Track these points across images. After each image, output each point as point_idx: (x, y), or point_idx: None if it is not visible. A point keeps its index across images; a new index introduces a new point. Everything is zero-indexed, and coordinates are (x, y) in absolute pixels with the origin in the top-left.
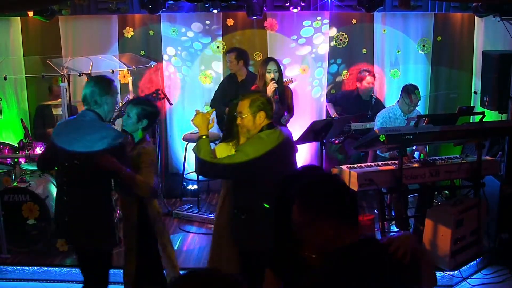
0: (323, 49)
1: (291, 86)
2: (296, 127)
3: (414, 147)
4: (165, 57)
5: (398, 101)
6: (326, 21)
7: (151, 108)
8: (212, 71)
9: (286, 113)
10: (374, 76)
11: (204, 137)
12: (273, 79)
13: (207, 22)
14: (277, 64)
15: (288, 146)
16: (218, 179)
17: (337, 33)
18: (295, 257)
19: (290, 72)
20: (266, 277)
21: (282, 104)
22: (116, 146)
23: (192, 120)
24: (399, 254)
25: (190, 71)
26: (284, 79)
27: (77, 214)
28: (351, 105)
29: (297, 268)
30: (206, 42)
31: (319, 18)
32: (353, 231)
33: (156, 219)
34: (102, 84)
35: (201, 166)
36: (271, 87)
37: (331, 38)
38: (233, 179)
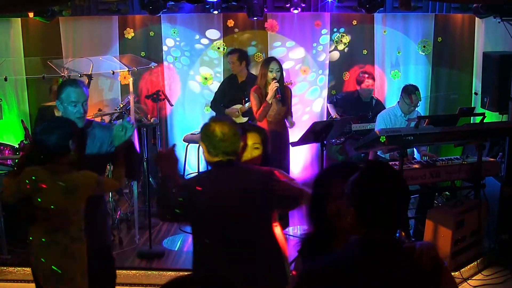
0: (324, 50)
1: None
2: (297, 128)
3: (418, 154)
4: (165, 58)
5: (398, 102)
6: (327, 22)
7: None
8: (212, 72)
9: (292, 116)
10: (373, 78)
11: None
12: (274, 78)
13: (208, 23)
14: (279, 64)
15: None
16: None
17: (338, 34)
18: (328, 249)
19: (290, 73)
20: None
21: (283, 104)
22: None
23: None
24: (423, 261)
25: (190, 72)
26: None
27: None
28: (351, 106)
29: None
30: (206, 43)
31: (319, 19)
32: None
33: None
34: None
35: None
36: (273, 86)
37: (332, 39)
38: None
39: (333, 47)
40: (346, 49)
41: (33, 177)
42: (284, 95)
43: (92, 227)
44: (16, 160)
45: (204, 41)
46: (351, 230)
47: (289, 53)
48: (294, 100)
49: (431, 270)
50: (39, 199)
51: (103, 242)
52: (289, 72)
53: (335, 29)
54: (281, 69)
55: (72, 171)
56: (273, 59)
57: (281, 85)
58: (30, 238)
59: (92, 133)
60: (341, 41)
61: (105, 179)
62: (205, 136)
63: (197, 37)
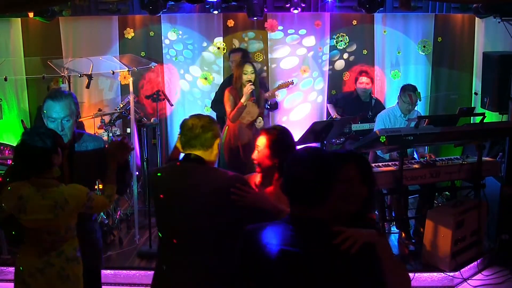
0: (324, 50)
1: (291, 87)
2: (297, 128)
3: (417, 154)
4: (165, 58)
5: (397, 102)
6: (327, 22)
7: None
8: (212, 72)
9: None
10: (371, 78)
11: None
12: (249, 80)
13: (208, 23)
14: (253, 66)
15: None
16: None
17: (338, 34)
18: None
19: (290, 73)
20: None
21: (258, 106)
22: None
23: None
24: (346, 244)
25: (190, 72)
26: (284, 82)
27: None
28: (351, 106)
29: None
30: (206, 43)
31: (319, 19)
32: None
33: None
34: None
35: None
36: (248, 89)
37: (332, 39)
38: None
39: (337, 57)
40: (351, 58)
41: (18, 194)
42: (259, 97)
43: (86, 246)
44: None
45: (204, 41)
46: (349, 213)
47: (289, 53)
48: (295, 99)
49: (358, 255)
50: (25, 218)
51: (96, 262)
52: (288, 72)
53: (334, 30)
54: (255, 72)
55: (59, 184)
56: (246, 61)
57: (256, 88)
58: (20, 267)
59: (83, 147)
60: (341, 41)
61: (95, 196)
62: (180, 127)
63: (197, 37)
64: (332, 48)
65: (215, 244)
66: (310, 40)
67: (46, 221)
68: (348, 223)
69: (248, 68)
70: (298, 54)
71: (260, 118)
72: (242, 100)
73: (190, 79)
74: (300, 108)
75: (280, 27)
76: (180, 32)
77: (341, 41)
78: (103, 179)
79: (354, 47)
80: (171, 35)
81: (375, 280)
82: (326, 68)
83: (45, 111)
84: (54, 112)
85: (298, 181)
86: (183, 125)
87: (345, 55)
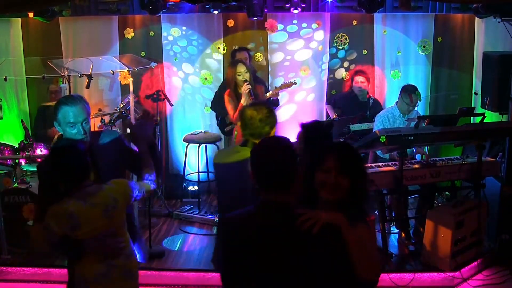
0: (324, 50)
1: (293, 87)
2: (297, 128)
3: (414, 150)
4: (165, 58)
5: (397, 102)
6: (327, 22)
7: None
8: (212, 72)
9: None
10: (367, 77)
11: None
12: (246, 80)
13: (208, 23)
14: (246, 66)
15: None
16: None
17: (338, 34)
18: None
19: (290, 73)
20: None
21: None
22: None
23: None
24: (306, 224)
25: (190, 72)
26: (286, 82)
27: None
28: (349, 106)
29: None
30: (206, 43)
31: (319, 19)
32: None
33: None
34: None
35: None
36: (245, 89)
37: (332, 39)
38: None
39: (338, 65)
40: (351, 66)
41: (66, 214)
42: (257, 93)
43: (130, 232)
44: (24, 175)
45: (204, 41)
46: (331, 200)
47: (289, 53)
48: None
49: (319, 236)
50: (81, 232)
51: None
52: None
53: (335, 29)
54: (249, 71)
55: (102, 186)
56: (237, 62)
57: (253, 85)
58: (76, 274)
59: (101, 143)
60: (341, 41)
61: (138, 183)
62: (239, 116)
63: (197, 37)
64: (333, 56)
65: None
66: (310, 41)
67: (102, 227)
68: (336, 211)
69: (241, 68)
70: (298, 55)
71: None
72: (242, 101)
73: (190, 79)
74: (300, 109)
75: (281, 26)
76: (185, 28)
77: (341, 48)
78: (133, 169)
79: (354, 55)
80: (171, 35)
81: (339, 260)
82: (325, 77)
83: (60, 118)
84: (73, 116)
85: (264, 168)
86: (242, 114)
87: (346, 64)
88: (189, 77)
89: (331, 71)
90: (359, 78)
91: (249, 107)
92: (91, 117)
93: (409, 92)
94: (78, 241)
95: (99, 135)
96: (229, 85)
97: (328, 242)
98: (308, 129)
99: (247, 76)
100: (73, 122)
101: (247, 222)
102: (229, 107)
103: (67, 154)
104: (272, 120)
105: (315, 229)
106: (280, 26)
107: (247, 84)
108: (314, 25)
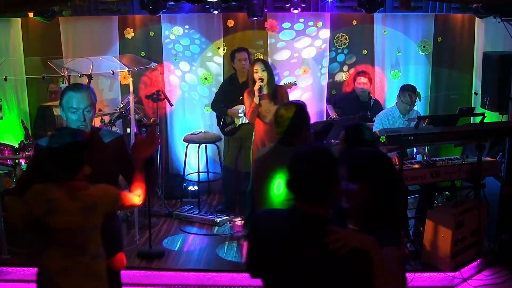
0: (324, 50)
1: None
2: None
3: (415, 150)
4: (165, 58)
5: (396, 102)
6: (327, 22)
7: None
8: (212, 72)
9: None
10: (369, 78)
11: None
12: (260, 78)
13: (208, 23)
14: (264, 64)
15: None
16: (218, 180)
17: (338, 34)
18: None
19: (290, 73)
20: None
21: (275, 104)
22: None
23: None
24: (335, 245)
25: (190, 72)
26: (286, 82)
27: None
28: (350, 106)
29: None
30: (206, 43)
31: (319, 19)
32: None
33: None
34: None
35: None
36: (256, 86)
37: (332, 39)
38: None
39: (337, 69)
40: (345, 49)
41: (46, 197)
42: (276, 94)
43: (108, 241)
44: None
45: (204, 41)
46: (357, 208)
47: (289, 53)
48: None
49: (347, 257)
50: (54, 220)
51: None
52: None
53: (335, 29)
54: (267, 69)
55: (88, 186)
56: (257, 60)
57: (271, 84)
58: (46, 267)
59: (105, 143)
60: (341, 41)
61: (124, 194)
62: (275, 113)
63: (197, 37)
64: (332, 60)
65: None
66: (310, 41)
67: (75, 223)
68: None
69: (258, 66)
70: (298, 55)
71: None
72: (254, 99)
73: (190, 79)
74: None
75: (288, 24)
76: (187, 27)
77: (341, 49)
78: (127, 176)
79: (354, 59)
80: (172, 35)
81: (359, 281)
82: (325, 82)
83: (63, 103)
84: (76, 102)
85: (297, 177)
86: (277, 113)
87: (345, 68)
88: (189, 77)
89: (331, 75)
90: (362, 80)
91: (282, 106)
92: None
93: (408, 91)
94: (48, 230)
95: (102, 132)
96: (250, 84)
97: (353, 264)
98: (349, 133)
99: (263, 74)
100: (75, 108)
101: (276, 224)
102: (246, 105)
103: (68, 140)
104: (301, 118)
105: (342, 251)
106: (287, 25)
107: (259, 81)
108: (319, 24)
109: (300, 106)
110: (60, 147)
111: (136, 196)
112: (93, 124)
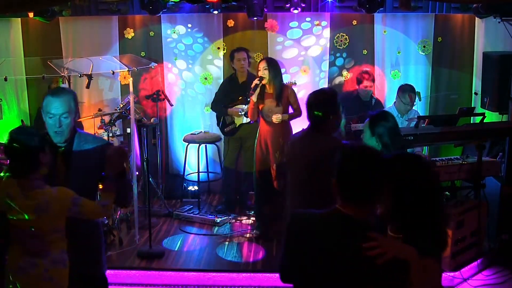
0: (324, 50)
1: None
2: (297, 128)
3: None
4: (165, 58)
5: (394, 102)
6: (327, 22)
7: None
8: (212, 72)
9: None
10: (373, 80)
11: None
12: (260, 77)
13: (208, 23)
14: (268, 63)
15: None
16: (218, 181)
17: (338, 34)
18: None
19: (290, 73)
20: None
21: (277, 104)
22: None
23: None
24: (373, 252)
25: (190, 72)
26: (286, 82)
27: None
28: (351, 106)
29: None
30: (206, 43)
31: (319, 19)
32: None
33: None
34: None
35: None
36: (253, 84)
37: (332, 39)
38: None
39: (336, 74)
40: (345, 49)
41: (6, 192)
42: (281, 95)
43: (78, 250)
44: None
45: (204, 41)
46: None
47: (289, 53)
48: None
49: (383, 267)
50: (11, 217)
51: (93, 268)
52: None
53: (335, 29)
54: (269, 67)
55: (44, 186)
56: (262, 59)
57: (275, 84)
58: (7, 262)
59: (82, 147)
60: (341, 41)
61: (84, 201)
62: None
63: (197, 37)
64: (331, 64)
65: None
66: (310, 41)
67: (30, 222)
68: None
69: (261, 65)
70: (298, 55)
71: (279, 115)
72: (252, 97)
73: (190, 79)
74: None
75: (294, 23)
76: (180, 32)
77: (340, 51)
78: (103, 188)
79: (352, 63)
80: (172, 35)
81: None
82: (325, 85)
83: (43, 107)
84: (53, 107)
85: (351, 178)
86: (308, 99)
87: (344, 72)
88: (189, 77)
89: (330, 80)
90: (366, 83)
91: (313, 92)
92: (91, 117)
93: (408, 92)
94: (9, 226)
95: (86, 138)
96: None
97: (390, 272)
98: (373, 120)
99: (265, 73)
100: (52, 113)
101: (315, 226)
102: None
103: (21, 139)
104: (328, 109)
105: (380, 261)
106: (294, 24)
107: (257, 79)
108: (324, 23)
109: (330, 93)
110: (13, 146)
111: (99, 206)
112: (82, 127)
